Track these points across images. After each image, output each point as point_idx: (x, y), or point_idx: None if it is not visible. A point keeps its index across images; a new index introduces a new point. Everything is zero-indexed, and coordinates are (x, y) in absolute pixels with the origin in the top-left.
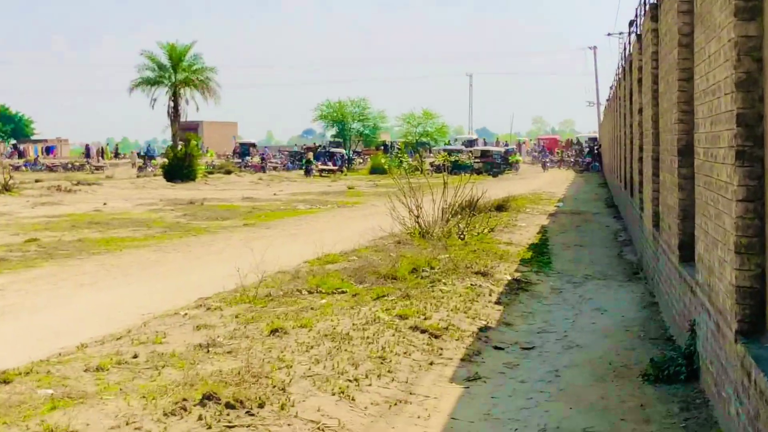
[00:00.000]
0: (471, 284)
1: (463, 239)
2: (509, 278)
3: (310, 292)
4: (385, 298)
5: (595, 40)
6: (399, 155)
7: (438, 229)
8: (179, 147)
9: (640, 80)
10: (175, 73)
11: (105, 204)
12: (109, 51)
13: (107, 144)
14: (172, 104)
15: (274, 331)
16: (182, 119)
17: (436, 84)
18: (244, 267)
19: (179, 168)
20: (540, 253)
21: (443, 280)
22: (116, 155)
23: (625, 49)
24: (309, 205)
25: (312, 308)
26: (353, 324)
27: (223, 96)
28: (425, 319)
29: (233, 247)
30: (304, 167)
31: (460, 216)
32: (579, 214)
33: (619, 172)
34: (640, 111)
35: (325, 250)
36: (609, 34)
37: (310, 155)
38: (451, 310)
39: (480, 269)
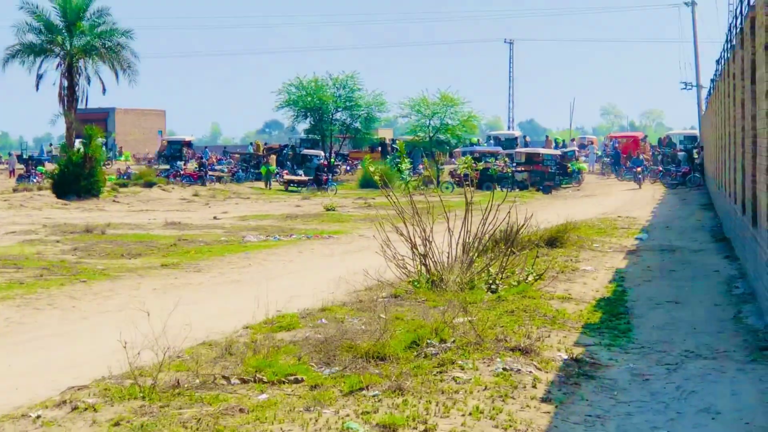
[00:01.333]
0: (504, 369)
1: (494, 292)
2: (565, 357)
3: (243, 381)
4: (364, 393)
5: None
6: (397, 160)
7: (457, 276)
8: (76, 147)
9: None
10: (71, 36)
11: None
12: None
13: None
14: (65, 83)
15: None
16: (81, 105)
17: (460, 55)
18: (151, 334)
19: (75, 179)
20: (614, 315)
21: (459, 362)
22: None
23: (741, 1)
24: (265, 235)
25: (242, 410)
26: None
27: (145, 72)
28: (425, 431)
29: (140, 302)
30: (264, 177)
31: (491, 255)
32: (672, 252)
33: (732, 188)
34: None
35: (280, 308)
36: None
37: (272, 160)
38: (470, 415)
39: (519, 343)
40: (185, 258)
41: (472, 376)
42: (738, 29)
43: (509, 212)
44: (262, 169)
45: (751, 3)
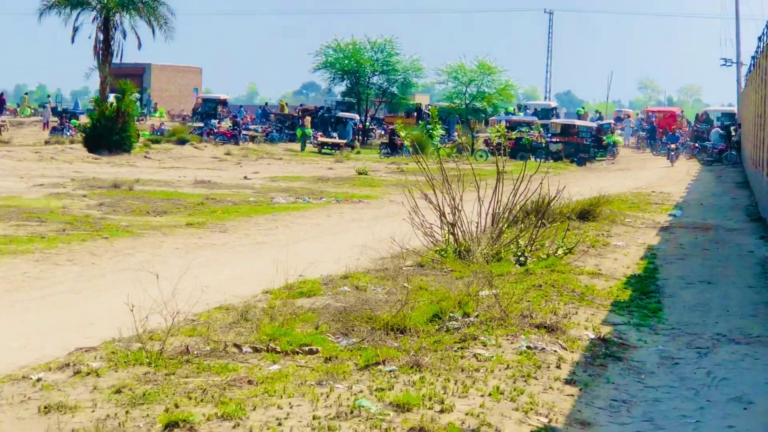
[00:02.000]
0: (528, 347)
1: (523, 264)
2: (592, 336)
3: (256, 350)
4: (380, 367)
5: None
6: (429, 125)
7: (485, 247)
8: (110, 102)
9: None
10: None
11: None
12: None
13: (25, 93)
14: (101, 36)
15: (170, 426)
16: (117, 60)
17: (500, 24)
18: (164, 296)
19: (107, 133)
20: (644, 293)
21: (481, 338)
22: (17, 109)
23: None
24: (294, 197)
25: (251, 381)
26: (313, 418)
27: (183, 30)
28: (442, 411)
29: (163, 260)
30: (299, 139)
31: (521, 226)
32: (706, 230)
33: None
34: None
35: (303, 272)
36: None
37: (308, 122)
38: (489, 396)
39: (545, 319)
40: (211, 217)
41: (494, 354)
42: None
43: (541, 183)
44: (298, 132)
45: None
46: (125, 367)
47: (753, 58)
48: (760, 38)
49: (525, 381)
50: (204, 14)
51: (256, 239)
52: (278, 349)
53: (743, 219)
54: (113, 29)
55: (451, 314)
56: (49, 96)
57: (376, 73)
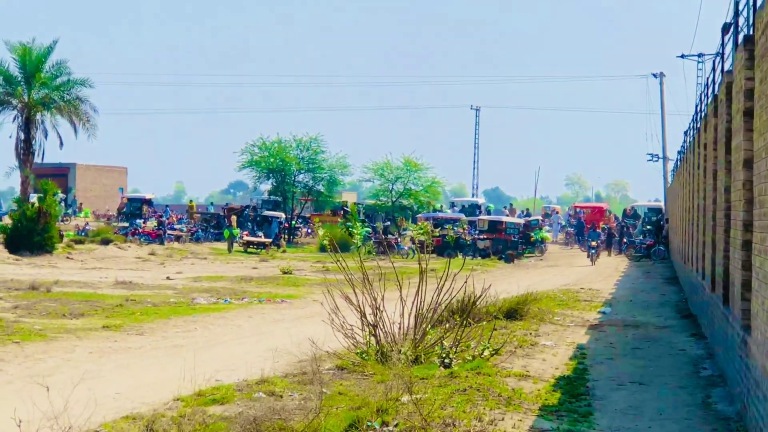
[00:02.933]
0: None
1: (448, 366)
2: None
3: None
4: None
5: (660, 66)
6: (349, 224)
7: (408, 349)
8: (31, 202)
9: (749, 112)
10: (30, 88)
11: None
12: None
13: None
14: (22, 136)
15: None
16: (39, 159)
17: (427, 120)
18: (60, 407)
19: (29, 234)
20: (574, 396)
21: None
22: None
23: (714, 69)
24: (216, 297)
25: None
26: None
27: (109, 130)
28: None
29: (74, 365)
30: (226, 239)
31: (445, 327)
32: (636, 328)
33: (700, 263)
34: (749, 163)
35: (219, 377)
36: (683, 56)
37: (234, 221)
38: None
39: (468, 429)
40: (129, 320)
41: None
42: (711, 97)
43: (466, 282)
44: (225, 232)
45: (727, 69)
46: None
47: (679, 152)
48: (686, 133)
49: None
50: (130, 114)
51: (173, 342)
52: None
53: (673, 316)
54: (35, 128)
55: (369, 423)
56: None
57: (302, 171)
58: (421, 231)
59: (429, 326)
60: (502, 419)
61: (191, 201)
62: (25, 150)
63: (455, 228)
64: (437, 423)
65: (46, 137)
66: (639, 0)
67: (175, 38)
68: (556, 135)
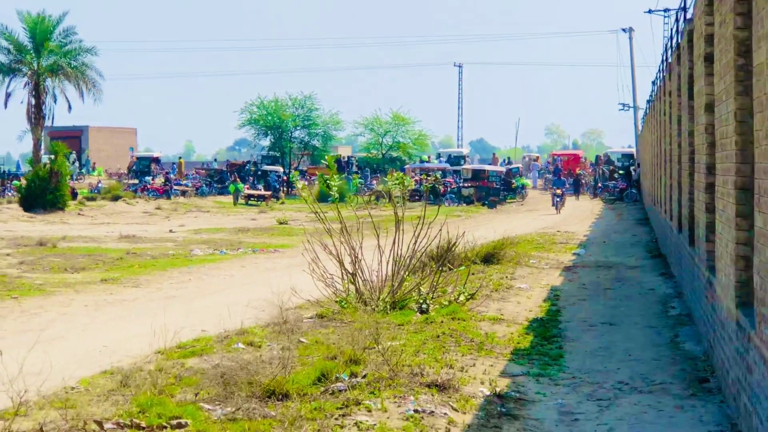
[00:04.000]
0: (415, 411)
1: (425, 312)
2: (488, 393)
3: (120, 426)
4: None
5: (629, 21)
6: (348, 175)
7: (386, 295)
8: (43, 162)
9: (709, 57)
10: (39, 56)
11: None
12: None
13: None
14: (33, 101)
15: None
16: (48, 122)
17: (413, 78)
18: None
19: (41, 192)
20: (545, 338)
21: (366, 402)
22: None
23: (677, 20)
24: (212, 248)
25: None
26: None
27: (122, 92)
28: None
29: (69, 319)
30: (232, 193)
31: (421, 274)
32: (608, 269)
33: (668, 205)
34: (711, 107)
35: (202, 328)
36: (650, 11)
37: (238, 179)
38: None
39: (437, 377)
40: (127, 272)
41: (378, 421)
42: (674, 46)
43: (441, 229)
44: (230, 187)
45: (689, 17)
46: None
47: (648, 101)
48: (653, 82)
49: None
50: (140, 78)
51: (167, 293)
52: (143, 424)
53: (644, 256)
54: (44, 94)
55: (337, 375)
56: None
57: (298, 128)
58: (397, 182)
59: (407, 273)
60: (474, 365)
61: (180, 159)
62: (36, 114)
63: (443, 177)
64: (406, 373)
65: (55, 102)
66: None
67: (178, 5)
68: (535, 88)
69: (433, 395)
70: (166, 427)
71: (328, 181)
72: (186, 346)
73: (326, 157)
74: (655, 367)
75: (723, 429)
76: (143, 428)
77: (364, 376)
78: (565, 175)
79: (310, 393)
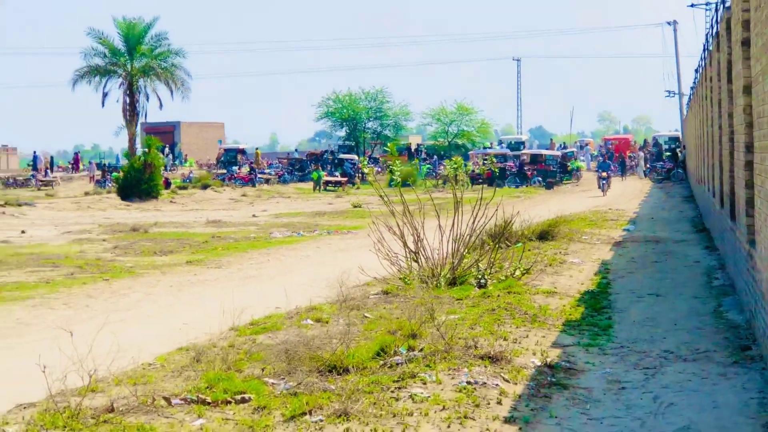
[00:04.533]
0: (468, 382)
1: (483, 286)
2: (538, 364)
3: (186, 401)
4: (306, 417)
5: (673, 14)
6: (423, 161)
7: (447, 272)
8: (138, 155)
9: (746, 42)
10: (132, 59)
11: (23, 232)
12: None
13: (78, 153)
14: (127, 100)
15: None
16: (142, 119)
17: (475, 72)
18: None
19: (137, 183)
20: (596, 310)
21: (422, 375)
22: (74, 166)
23: (716, 10)
24: (291, 231)
25: None
26: None
27: (211, 89)
28: None
29: (154, 299)
30: (315, 181)
31: (480, 251)
32: (656, 243)
33: (711, 183)
34: (748, 89)
35: (276, 305)
36: (692, 5)
37: (319, 168)
38: None
39: (490, 349)
40: (211, 254)
41: (432, 393)
42: (714, 33)
43: (497, 209)
44: (313, 175)
45: (727, 4)
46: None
47: (691, 88)
48: (696, 71)
49: (461, 423)
50: (230, 75)
51: (247, 273)
52: (208, 400)
53: (689, 230)
54: (137, 93)
55: (396, 349)
56: (88, 156)
57: (371, 119)
58: (455, 166)
59: (466, 250)
60: (527, 336)
61: (257, 149)
62: (131, 112)
63: (503, 162)
64: (460, 346)
65: (147, 100)
66: None
67: (262, 7)
68: (588, 78)
69: (486, 367)
70: (230, 402)
71: (391, 167)
72: (258, 323)
73: (389, 146)
74: (699, 335)
75: (765, 395)
76: (209, 403)
77: (421, 350)
78: (615, 158)
79: (369, 367)
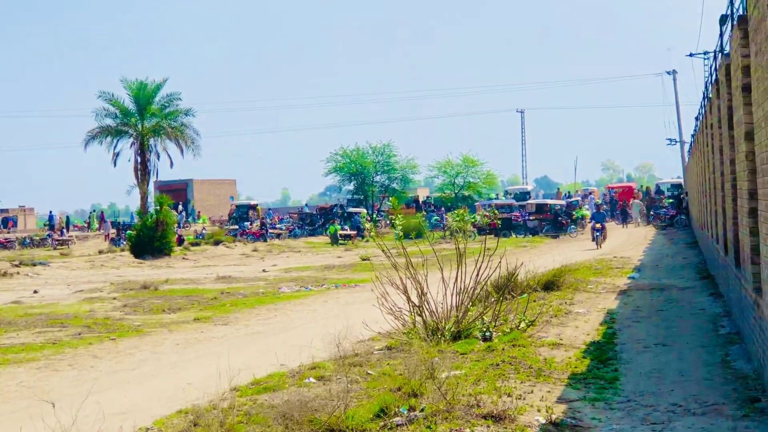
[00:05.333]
0: None
1: (488, 339)
2: (543, 422)
3: None
4: None
5: (673, 64)
6: (430, 214)
7: (451, 325)
8: (150, 213)
9: (746, 88)
10: (142, 119)
11: (35, 292)
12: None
13: (93, 211)
14: (138, 159)
15: None
16: (154, 177)
17: (480, 124)
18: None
19: (149, 240)
20: (602, 361)
21: None
22: (88, 226)
23: (715, 58)
24: (299, 286)
25: None
26: None
27: (223, 146)
28: None
29: (158, 357)
30: (331, 234)
31: (485, 303)
32: (661, 291)
33: (714, 229)
34: (750, 135)
35: (281, 362)
36: (691, 54)
37: (334, 221)
38: None
39: (493, 408)
40: (219, 311)
41: None
42: (714, 80)
43: (500, 260)
44: (330, 229)
45: (726, 52)
46: None
47: (692, 135)
48: (696, 118)
49: None
50: (238, 134)
51: (253, 329)
52: None
53: (694, 277)
54: (148, 152)
55: (396, 409)
56: (100, 212)
57: (379, 173)
58: (458, 218)
59: (470, 303)
60: (531, 392)
61: (257, 206)
62: (142, 170)
63: (509, 212)
64: (462, 404)
65: (158, 159)
66: (648, 7)
67: (266, 67)
68: (590, 128)
69: (488, 426)
70: None
71: (393, 221)
72: (260, 382)
73: (391, 199)
74: (707, 387)
75: None
76: None
77: (422, 410)
78: (619, 206)
79: (369, 429)
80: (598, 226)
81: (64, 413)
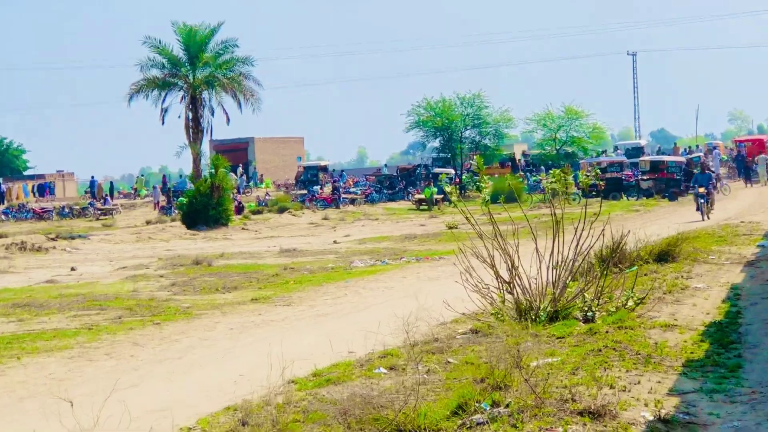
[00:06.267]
0: None
1: (591, 320)
2: (650, 418)
3: None
4: None
5: None
6: (528, 173)
7: (547, 304)
8: (204, 177)
9: None
10: (194, 69)
11: (73, 269)
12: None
13: (139, 176)
14: (190, 115)
15: None
16: (208, 136)
17: (584, 70)
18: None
19: (203, 209)
20: (723, 345)
21: None
22: (135, 193)
23: None
24: (374, 259)
25: None
26: None
27: (289, 101)
28: None
29: (209, 344)
30: (426, 198)
31: (587, 278)
32: None
33: None
34: None
35: (349, 349)
36: None
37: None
38: None
39: (591, 402)
40: (281, 290)
41: None
42: None
43: (604, 227)
44: (425, 191)
45: None
46: None
47: None
48: None
49: None
50: (309, 84)
51: (319, 311)
52: None
53: None
54: (201, 107)
55: (477, 404)
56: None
57: (468, 128)
58: (554, 179)
59: (569, 278)
60: (638, 382)
61: (300, 166)
62: (194, 128)
63: (619, 171)
64: (555, 399)
65: (213, 115)
66: None
67: (338, 9)
68: (714, 73)
69: (585, 424)
70: None
71: (478, 184)
72: (322, 374)
73: (476, 158)
74: None
75: None
76: None
77: (507, 405)
78: (750, 162)
79: (444, 428)
80: (702, 190)
81: (97, 410)
